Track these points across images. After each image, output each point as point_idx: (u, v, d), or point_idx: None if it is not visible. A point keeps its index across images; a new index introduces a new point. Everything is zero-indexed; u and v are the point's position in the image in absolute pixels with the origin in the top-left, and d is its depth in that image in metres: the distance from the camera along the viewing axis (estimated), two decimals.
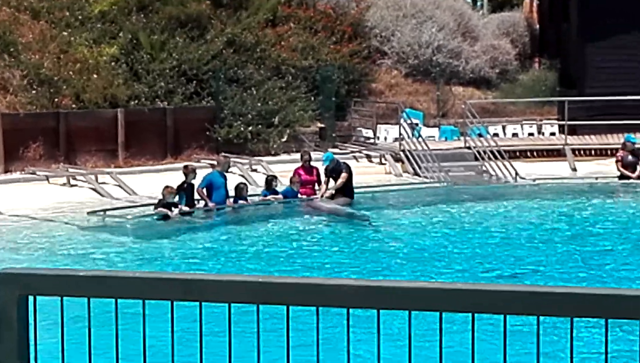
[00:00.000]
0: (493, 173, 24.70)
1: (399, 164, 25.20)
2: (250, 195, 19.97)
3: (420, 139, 25.38)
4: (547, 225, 18.10)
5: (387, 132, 27.55)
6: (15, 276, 3.10)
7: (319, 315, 2.88)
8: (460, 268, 14.24)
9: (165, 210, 18.37)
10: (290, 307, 2.90)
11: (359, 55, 29.96)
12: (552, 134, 28.52)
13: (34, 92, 24.05)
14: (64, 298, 3.08)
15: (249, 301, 2.91)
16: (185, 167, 19.69)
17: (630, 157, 22.99)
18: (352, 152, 26.00)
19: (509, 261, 14.85)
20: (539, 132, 28.88)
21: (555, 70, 32.17)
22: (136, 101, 25.24)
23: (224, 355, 3.07)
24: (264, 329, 3.02)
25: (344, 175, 20.02)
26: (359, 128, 28.39)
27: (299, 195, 20.33)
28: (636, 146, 23.27)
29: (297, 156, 22.41)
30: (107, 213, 18.75)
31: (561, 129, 27.68)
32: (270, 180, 20.43)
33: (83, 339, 3.23)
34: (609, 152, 25.68)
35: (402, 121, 26.15)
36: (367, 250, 15.86)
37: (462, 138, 27.03)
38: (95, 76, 24.92)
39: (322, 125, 27.47)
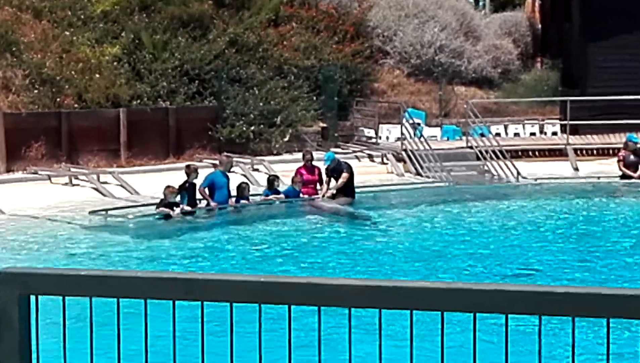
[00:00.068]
0: (495, 172, 24.67)
1: (400, 164, 25.17)
2: (252, 195, 19.96)
3: (422, 138, 25.36)
4: (549, 225, 18.10)
5: (389, 132, 27.53)
6: (16, 276, 3.09)
7: (320, 315, 2.88)
8: (461, 267, 14.23)
9: (167, 210, 18.36)
10: (292, 307, 2.89)
11: (361, 55, 29.96)
12: (554, 134, 28.50)
13: (36, 91, 24.05)
14: (66, 297, 3.08)
15: (250, 301, 2.91)
16: (187, 167, 19.67)
17: (632, 157, 22.96)
18: (354, 152, 25.98)
19: (510, 261, 14.84)
20: (541, 132, 28.86)
21: (557, 70, 32.16)
22: (138, 101, 25.25)
23: (224, 355, 3.07)
24: (265, 329, 3.01)
25: (344, 175, 20.01)
26: (361, 128, 28.37)
27: (301, 195, 20.32)
28: (638, 145, 23.23)
29: (299, 155, 22.38)
30: (109, 212, 18.73)
31: (563, 128, 27.67)
32: (272, 180, 20.43)
33: (84, 339, 3.23)
34: (611, 152, 25.64)
35: (404, 120, 26.11)
36: (368, 250, 15.85)
37: (464, 138, 26.99)
38: (97, 75, 24.93)
39: (325, 125, 27.46)
